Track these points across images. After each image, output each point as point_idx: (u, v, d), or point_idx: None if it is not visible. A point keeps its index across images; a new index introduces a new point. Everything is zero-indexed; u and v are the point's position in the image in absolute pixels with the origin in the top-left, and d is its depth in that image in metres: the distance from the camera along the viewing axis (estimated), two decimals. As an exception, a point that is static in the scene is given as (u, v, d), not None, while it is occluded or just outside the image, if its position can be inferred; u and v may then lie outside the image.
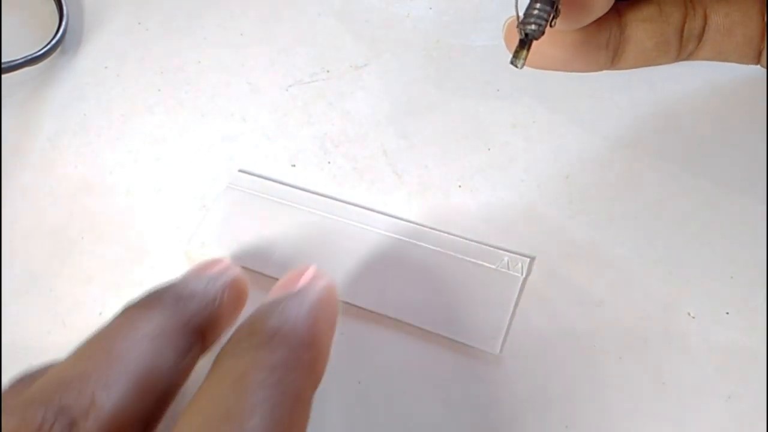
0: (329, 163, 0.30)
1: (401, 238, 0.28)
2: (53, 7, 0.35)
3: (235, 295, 0.24)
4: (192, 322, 0.22)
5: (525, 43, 0.23)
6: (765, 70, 0.24)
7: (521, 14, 0.23)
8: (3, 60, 0.31)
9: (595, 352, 0.25)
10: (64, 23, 0.34)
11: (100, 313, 0.26)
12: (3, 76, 0.32)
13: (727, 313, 0.26)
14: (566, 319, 0.26)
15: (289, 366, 0.19)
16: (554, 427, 0.24)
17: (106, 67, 0.33)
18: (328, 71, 0.33)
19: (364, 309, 0.26)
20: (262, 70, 0.33)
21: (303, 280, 0.22)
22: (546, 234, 0.28)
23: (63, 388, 0.18)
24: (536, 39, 0.23)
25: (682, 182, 0.29)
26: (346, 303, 0.26)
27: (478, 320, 0.26)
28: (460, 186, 0.29)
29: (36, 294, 0.27)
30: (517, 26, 0.23)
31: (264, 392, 0.18)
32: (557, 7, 0.22)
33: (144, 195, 0.29)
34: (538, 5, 0.22)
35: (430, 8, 0.36)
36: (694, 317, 0.26)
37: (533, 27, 0.23)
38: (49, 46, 0.33)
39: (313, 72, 0.33)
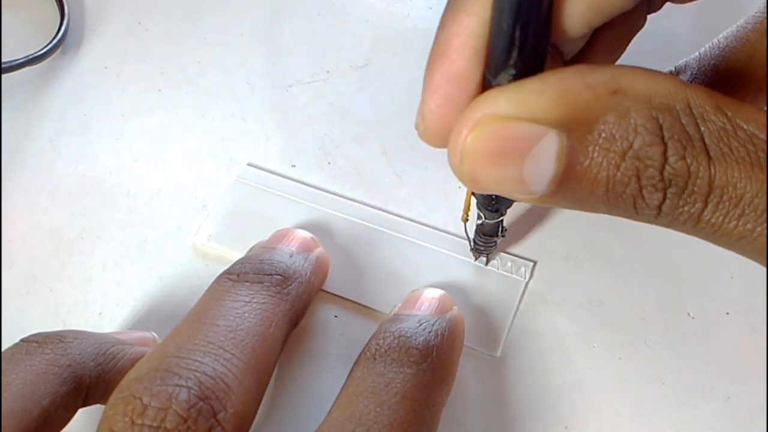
0: (329, 163, 0.30)
1: (405, 237, 0.28)
2: (54, 7, 0.35)
3: (322, 274, 0.26)
4: (294, 307, 0.23)
5: (482, 255, 0.27)
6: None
7: (471, 237, 0.26)
8: (3, 60, 0.31)
9: (595, 352, 0.25)
10: (65, 23, 0.34)
11: (100, 313, 0.26)
12: (3, 76, 0.32)
13: (727, 313, 0.26)
14: (566, 319, 0.26)
15: (435, 388, 0.21)
16: (554, 428, 0.24)
17: (106, 67, 0.33)
18: (328, 71, 0.33)
19: (366, 306, 0.26)
20: (262, 70, 0.33)
21: (434, 302, 0.24)
22: (546, 235, 0.28)
23: (194, 367, 0.19)
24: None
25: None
26: (348, 300, 0.26)
27: (479, 322, 0.26)
28: (459, 187, 0.29)
29: (36, 294, 0.27)
30: (471, 251, 0.27)
31: (412, 405, 0.19)
32: (502, 228, 0.25)
33: (144, 195, 0.29)
34: (482, 241, 0.26)
35: (430, 8, 0.36)
36: (694, 317, 0.26)
37: (485, 253, 0.26)
38: (49, 46, 0.33)
39: (313, 72, 0.33)
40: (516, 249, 0.27)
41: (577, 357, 0.25)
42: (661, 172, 0.14)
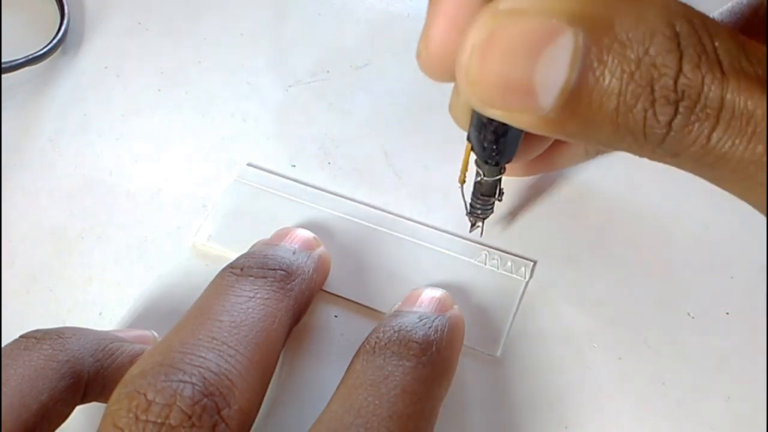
0: (329, 163, 0.30)
1: (405, 237, 0.28)
2: (54, 7, 0.35)
3: (324, 272, 0.26)
4: (297, 303, 0.23)
5: (477, 221, 0.27)
6: None
7: (468, 201, 0.26)
8: (3, 60, 0.31)
9: (595, 352, 0.25)
10: (65, 23, 0.34)
11: (100, 313, 0.26)
12: (3, 76, 0.32)
13: (727, 313, 0.26)
14: (566, 319, 0.26)
15: (434, 382, 0.21)
16: (553, 428, 0.24)
17: (106, 67, 0.33)
18: (328, 71, 0.33)
19: (366, 306, 0.26)
20: (262, 70, 0.33)
21: (434, 301, 0.24)
22: (546, 235, 0.28)
23: (197, 363, 0.19)
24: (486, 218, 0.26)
25: (683, 183, 0.29)
26: (348, 300, 0.26)
27: (479, 322, 0.26)
28: (459, 186, 0.29)
29: (36, 294, 0.27)
30: (467, 215, 0.26)
31: (411, 398, 0.19)
32: (500, 191, 0.25)
33: (144, 195, 0.29)
34: (479, 203, 0.25)
35: (431, 8, 0.36)
36: (694, 317, 0.26)
37: (481, 217, 0.26)
38: (49, 46, 0.33)
39: (313, 72, 0.33)
40: (516, 248, 0.27)
41: (577, 357, 0.25)
42: (675, 82, 0.14)
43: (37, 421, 0.19)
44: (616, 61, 0.14)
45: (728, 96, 0.14)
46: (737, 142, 0.14)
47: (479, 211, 0.26)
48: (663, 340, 0.25)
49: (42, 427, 0.19)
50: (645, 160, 0.29)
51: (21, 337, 0.21)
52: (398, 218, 0.28)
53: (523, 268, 0.27)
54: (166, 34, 0.35)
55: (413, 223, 0.28)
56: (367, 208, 0.29)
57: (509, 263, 0.27)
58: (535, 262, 0.27)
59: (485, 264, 0.27)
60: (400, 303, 0.24)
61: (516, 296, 0.26)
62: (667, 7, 0.14)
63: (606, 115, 0.15)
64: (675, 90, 0.14)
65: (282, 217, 0.28)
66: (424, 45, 0.18)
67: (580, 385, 0.25)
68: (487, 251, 0.27)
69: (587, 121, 0.15)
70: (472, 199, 0.25)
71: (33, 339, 0.21)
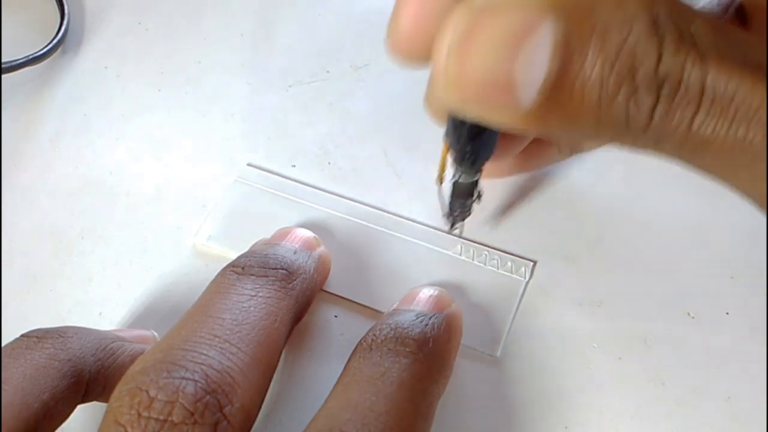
0: (329, 163, 0.30)
1: (405, 237, 0.28)
2: (54, 7, 0.35)
3: (325, 271, 0.26)
4: (298, 302, 0.23)
5: (456, 223, 0.26)
6: None
7: (446, 202, 0.25)
8: (4, 60, 0.31)
9: (595, 352, 0.25)
10: (65, 23, 0.34)
11: (100, 313, 0.26)
12: (3, 76, 0.32)
13: (727, 313, 0.26)
14: (566, 319, 0.26)
15: (431, 378, 0.21)
16: (553, 428, 0.24)
17: (106, 67, 0.33)
18: (328, 71, 0.33)
19: (366, 306, 0.26)
20: (262, 70, 0.33)
21: (432, 299, 0.24)
22: (546, 235, 0.28)
23: (200, 360, 0.19)
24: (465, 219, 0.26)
25: (682, 183, 0.29)
26: (348, 300, 0.26)
27: (479, 322, 0.26)
28: (460, 186, 0.29)
29: (36, 294, 0.27)
30: (443, 216, 0.26)
31: (407, 394, 0.19)
32: (478, 193, 0.24)
33: (144, 195, 0.29)
34: (457, 204, 0.25)
35: (431, 8, 0.36)
36: (694, 317, 0.26)
37: (460, 219, 0.26)
38: (49, 46, 0.33)
39: (313, 72, 0.33)
40: (516, 249, 0.27)
41: (577, 357, 0.25)
42: (656, 69, 0.14)
43: (38, 420, 0.19)
44: (596, 51, 0.14)
45: (708, 79, 0.14)
46: (719, 125, 0.14)
47: (457, 213, 0.26)
48: (663, 340, 0.25)
49: (43, 426, 0.19)
50: (645, 160, 0.29)
51: (22, 336, 0.21)
52: (398, 218, 0.28)
53: (523, 268, 0.27)
54: (166, 34, 0.35)
55: (413, 223, 0.28)
56: (367, 208, 0.29)
57: (509, 263, 0.27)
58: (535, 262, 0.27)
59: (485, 264, 0.27)
60: (398, 302, 0.24)
61: (516, 296, 0.26)
62: None
63: (588, 107, 0.15)
64: (656, 76, 0.14)
65: (282, 217, 0.28)
66: (395, 27, 0.17)
67: (580, 385, 0.25)
68: (487, 251, 0.27)
69: (568, 115, 0.15)
70: (450, 200, 0.25)
71: (34, 338, 0.21)
